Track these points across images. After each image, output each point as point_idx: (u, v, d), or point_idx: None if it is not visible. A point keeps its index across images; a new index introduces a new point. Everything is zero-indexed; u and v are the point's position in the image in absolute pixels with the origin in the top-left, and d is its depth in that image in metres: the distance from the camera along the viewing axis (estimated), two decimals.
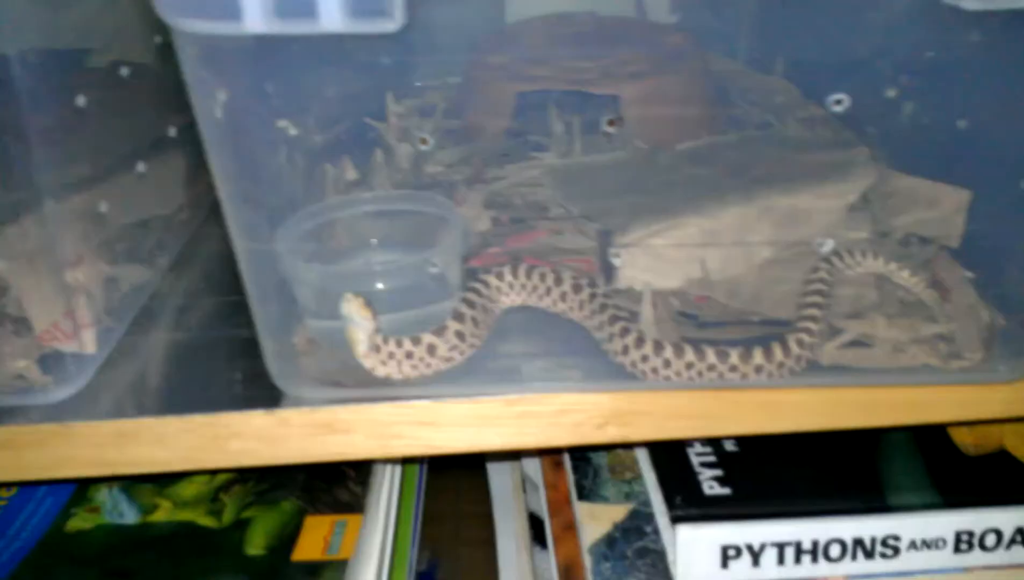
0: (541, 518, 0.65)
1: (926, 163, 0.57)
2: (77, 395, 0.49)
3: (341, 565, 0.52)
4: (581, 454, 0.64)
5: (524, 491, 0.72)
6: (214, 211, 0.61)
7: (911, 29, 0.51)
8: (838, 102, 0.48)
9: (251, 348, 0.50)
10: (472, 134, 0.70)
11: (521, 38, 0.75)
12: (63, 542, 0.54)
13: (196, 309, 0.58)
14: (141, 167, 0.59)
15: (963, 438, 0.59)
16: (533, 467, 0.71)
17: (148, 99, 0.64)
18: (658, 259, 0.54)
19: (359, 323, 0.45)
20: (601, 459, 0.63)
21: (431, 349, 0.47)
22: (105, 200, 0.54)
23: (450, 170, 0.66)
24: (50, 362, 0.49)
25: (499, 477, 0.75)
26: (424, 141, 0.63)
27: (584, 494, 0.60)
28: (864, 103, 0.53)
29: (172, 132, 0.65)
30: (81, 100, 0.52)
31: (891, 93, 0.54)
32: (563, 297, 0.52)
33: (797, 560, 0.53)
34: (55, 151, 0.49)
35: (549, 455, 0.68)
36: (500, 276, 0.53)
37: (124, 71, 0.59)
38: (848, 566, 0.53)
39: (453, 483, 0.77)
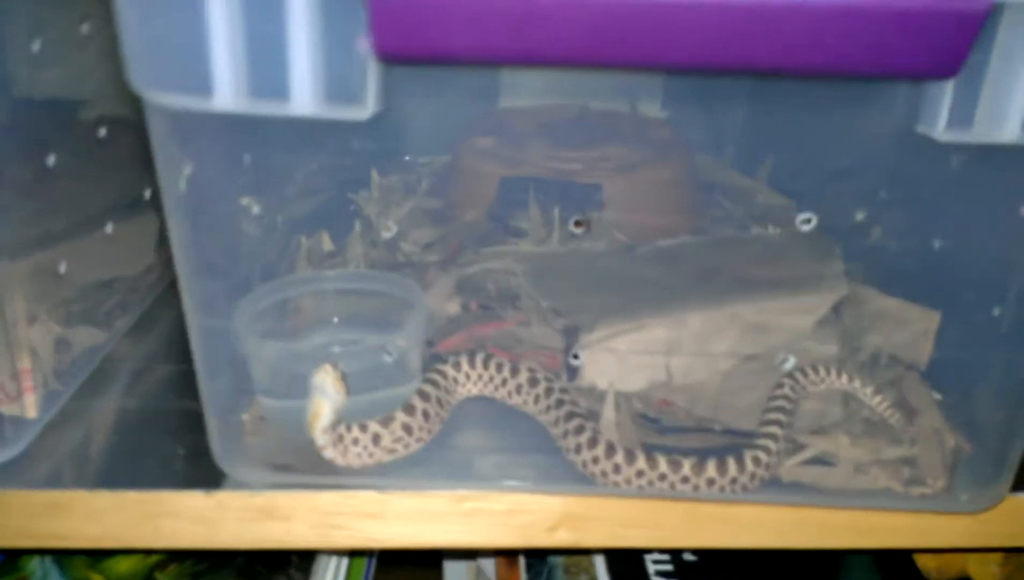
0: None
1: (901, 283, 0.57)
2: (12, 461, 0.47)
3: None
4: (537, 553, 0.62)
5: None
6: None
7: (888, 153, 0.52)
8: (807, 221, 0.48)
9: (198, 423, 0.48)
10: (452, 215, 0.70)
11: (511, 123, 0.76)
12: None
13: (150, 376, 0.57)
14: (110, 228, 0.59)
15: (926, 563, 0.57)
16: (489, 563, 0.69)
17: (126, 159, 0.63)
18: (623, 360, 0.53)
19: (330, 396, 0.44)
20: (557, 560, 0.61)
21: (376, 439, 0.46)
22: (66, 260, 0.54)
23: (426, 250, 0.66)
24: None
25: (454, 573, 0.72)
26: (388, 228, 0.62)
27: None
28: (834, 223, 0.53)
29: (147, 194, 0.64)
30: (51, 160, 0.51)
31: (860, 217, 0.54)
32: (518, 389, 0.51)
33: None
34: (16, 209, 0.49)
35: (504, 553, 0.66)
36: (457, 366, 0.52)
37: (103, 132, 0.59)
38: None
39: (407, 575, 0.75)
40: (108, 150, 0.61)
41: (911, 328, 0.53)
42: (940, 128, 0.36)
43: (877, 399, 0.52)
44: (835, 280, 0.57)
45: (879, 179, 0.55)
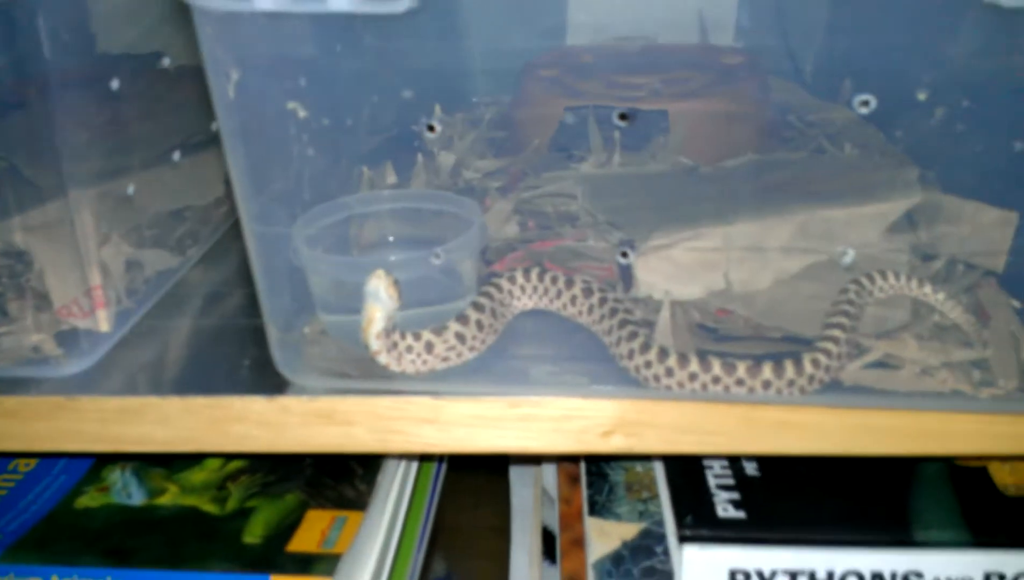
0: (553, 533, 0.64)
1: (978, 187, 0.54)
2: (87, 371, 0.49)
3: (334, 559, 0.51)
4: (598, 470, 0.62)
5: (542, 505, 0.70)
6: None
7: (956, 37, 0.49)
8: (864, 103, 0.46)
9: (264, 338, 0.50)
10: (515, 145, 0.69)
11: (575, 57, 0.75)
12: (70, 517, 0.55)
13: (218, 299, 0.59)
14: (177, 156, 0.60)
15: (1003, 478, 0.55)
16: (552, 481, 0.69)
17: (191, 93, 0.65)
18: (680, 268, 0.52)
19: (383, 300, 0.44)
20: (618, 476, 0.61)
21: (428, 347, 0.47)
22: (135, 185, 0.56)
23: (487, 178, 0.66)
24: (65, 337, 0.50)
25: (520, 491, 0.73)
26: (432, 128, 0.62)
27: (596, 509, 0.58)
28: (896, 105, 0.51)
29: (215, 127, 0.66)
30: (115, 84, 0.53)
31: (922, 96, 0.51)
32: (573, 300, 0.51)
33: None
34: (84, 137, 0.50)
35: (567, 469, 0.67)
36: (512, 279, 0.52)
37: (166, 61, 0.60)
38: None
39: (473, 495, 0.76)
40: (175, 91, 0.63)
41: (987, 230, 0.51)
42: None
43: (949, 305, 0.50)
44: (907, 187, 0.55)
45: (955, 77, 0.52)
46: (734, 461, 0.57)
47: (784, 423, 0.46)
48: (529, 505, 0.72)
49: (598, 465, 0.63)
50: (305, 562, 0.51)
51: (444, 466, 0.70)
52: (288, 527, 0.53)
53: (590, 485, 0.61)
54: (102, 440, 0.48)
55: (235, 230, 0.70)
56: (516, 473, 0.75)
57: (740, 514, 0.52)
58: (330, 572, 0.50)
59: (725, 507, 0.53)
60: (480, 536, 0.74)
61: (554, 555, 0.62)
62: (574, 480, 0.65)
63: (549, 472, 0.71)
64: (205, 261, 0.64)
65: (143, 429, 0.48)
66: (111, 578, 0.51)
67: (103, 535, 0.53)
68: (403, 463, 0.63)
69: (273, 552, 0.51)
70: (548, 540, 0.65)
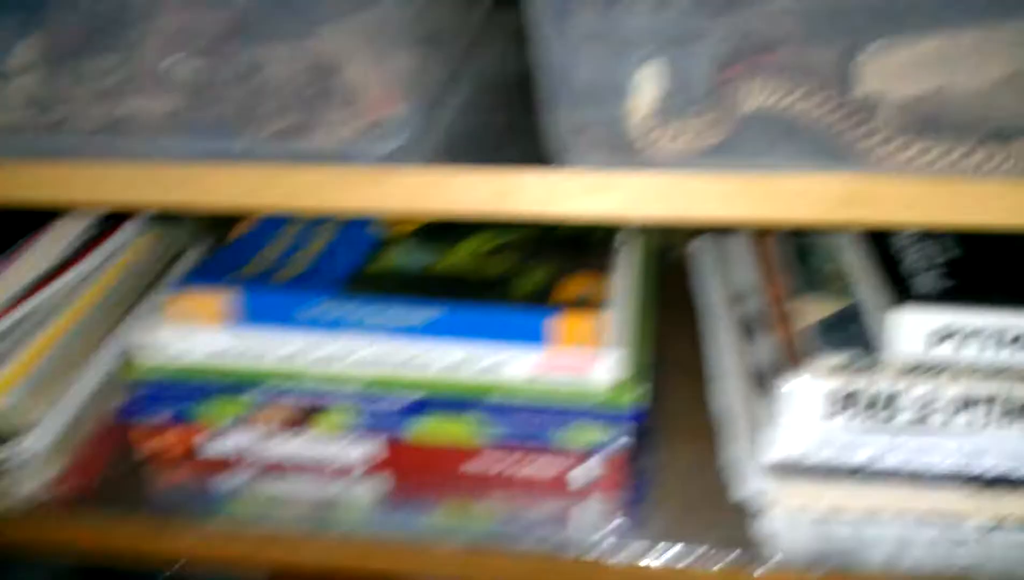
0: (755, 315, 0.72)
1: None
2: (390, 153, 0.60)
3: (593, 307, 0.62)
4: (803, 251, 0.70)
5: (746, 291, 0.78)
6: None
7: None
8: None
9: (538, 127, 0.58)
10: None
11: None
12: (363, 281, 0.68)
13: (488, 100, 0.68)
14: None
15: None
16: (755, 268, 0.77)
17: None
18: (899, 70, 0.57)
19: (648, 90, 0.53)
20: (821, 259, 0.69)
21: (680, 132, 0.54)
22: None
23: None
24: (372, 126, 0.61)
25: (716, 277, 0.82)
26: None
27: (802, 288, 0.66)
28: None
29: None
30: None
31: None
32: (800, 99, 0.58)
33: (1008, 345, 0.57)
34: None
35: (769, 250, 0.74)
36: (742, 82, 0.59)
37: None
38: None
39: (679, 286, 0.86)
40: None
41: None
42: None
43: None
44: None
45: None
46: (938, 238, 0.64)
47: (997, 196, 0.53)
48: (728, 292, 0.81)
49: (802, 246, 0.70)
50: (568, 309, 0.62)
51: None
52: (549, 286, 0.65)
53: (795, 264, 0.69)
54: (403, 208, 0.59)
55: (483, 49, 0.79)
56: (713, 258, 0.84)
57: (942, 282, 0.60)
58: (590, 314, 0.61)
59: (928, 276, 0.60)
60: (683, 321, 0.84)
61: (754, 336, 0.71)
62: (777, 263, 0.73)
63: (749, 256, 0.79)
64: (468, 77, 0.73)
65: (435, 198, 0.58)
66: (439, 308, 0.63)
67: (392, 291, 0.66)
68: (632, 236, 0.73)
69: (539, 303, 0.63)
70: (749, 323, 0.74)
